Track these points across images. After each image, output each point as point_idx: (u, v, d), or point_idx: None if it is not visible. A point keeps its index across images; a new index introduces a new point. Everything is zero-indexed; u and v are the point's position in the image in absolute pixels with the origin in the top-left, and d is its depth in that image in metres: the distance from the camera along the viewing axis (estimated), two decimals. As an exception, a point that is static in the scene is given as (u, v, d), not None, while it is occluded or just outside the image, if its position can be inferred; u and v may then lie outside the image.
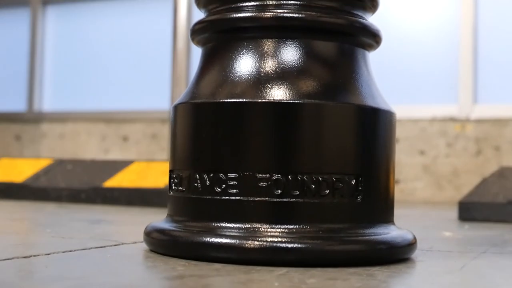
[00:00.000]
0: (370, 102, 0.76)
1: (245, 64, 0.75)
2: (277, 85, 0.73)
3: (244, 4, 0.78)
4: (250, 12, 0.78)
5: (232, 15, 0.79)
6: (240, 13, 0.79)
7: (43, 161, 2.19)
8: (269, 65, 0.74)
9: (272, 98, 0.72)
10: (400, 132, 3.27)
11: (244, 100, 0.73)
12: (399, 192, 3.20)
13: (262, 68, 0.74)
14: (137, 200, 1.87)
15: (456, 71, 3.26)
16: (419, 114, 3.26)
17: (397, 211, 2.09)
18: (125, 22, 4.13)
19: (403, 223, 1.48)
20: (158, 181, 1.85)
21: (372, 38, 0.83)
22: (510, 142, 3.11)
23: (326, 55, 0.77)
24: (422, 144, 3.25)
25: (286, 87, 0.72)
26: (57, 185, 2.01)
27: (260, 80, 0.74)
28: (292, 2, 0.77)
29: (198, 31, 0.83)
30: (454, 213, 1.72)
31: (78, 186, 1.98)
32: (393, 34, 3.34)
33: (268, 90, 0.72)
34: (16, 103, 4.36)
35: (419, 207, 2.62)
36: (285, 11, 0.77)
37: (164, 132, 3.76)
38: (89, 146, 4.08)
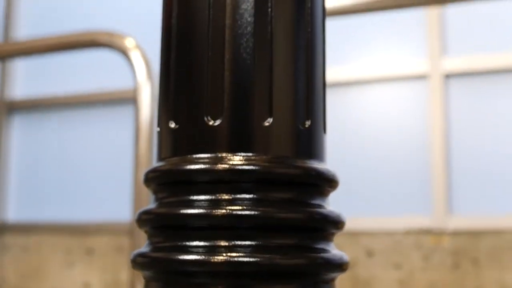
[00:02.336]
0: None
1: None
2: None
3: (192, 243, 0.70)
4: (198, 255, 0.69)
5: (178, 257, 0.70)
6: (187, 255, 0.70)
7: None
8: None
9: None
10: (374, 244, 3.18)
11: None
12: (376, 311, 3.09)
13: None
14: None
15: (429, 181, 3.20)
16: (394, 225, 3.18)
17: None
18: (89, 131, 4.06)
19: None
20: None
21: (337, 269, 0.74)
22: (488, 254, 3.03)
23: (285, 306, 0.68)
24: (398, 258, 3.15)
25: None
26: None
27: None
28: (246, 243, 0.69)
29: (140, 265, 0.74)
30: None
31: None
32: (364, 146, 3.30)
33: None
34: (-22, 214, 4.23)
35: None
36: (239, 254, 0.69)
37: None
38: (53, 260, 3.92)
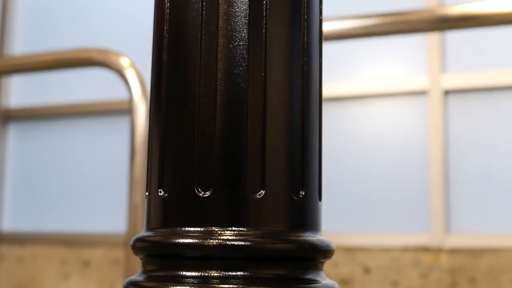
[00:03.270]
0: None
1: None
2: None
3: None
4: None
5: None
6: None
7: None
8: None
9: None
10: (371, 261, 3.15)
11: None
12: (372, 330, 3.06)
13: None
14: None
15: (427, 198, 3.17)
16: (391, 242, 3.15)
17: None
18: (85, 141, 4.03)
19: None
20: None
21: None
22: (486, 273, 3.00)
23: None
24: (395, 275, 3.13)
25: None
26: None
27: None
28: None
29: None
30: None
31: None
32: (362, 161, 3.27)
33: None
34: (-27, 224, 4.20)
35: None
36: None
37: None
38: (49, 271, 3.89)
